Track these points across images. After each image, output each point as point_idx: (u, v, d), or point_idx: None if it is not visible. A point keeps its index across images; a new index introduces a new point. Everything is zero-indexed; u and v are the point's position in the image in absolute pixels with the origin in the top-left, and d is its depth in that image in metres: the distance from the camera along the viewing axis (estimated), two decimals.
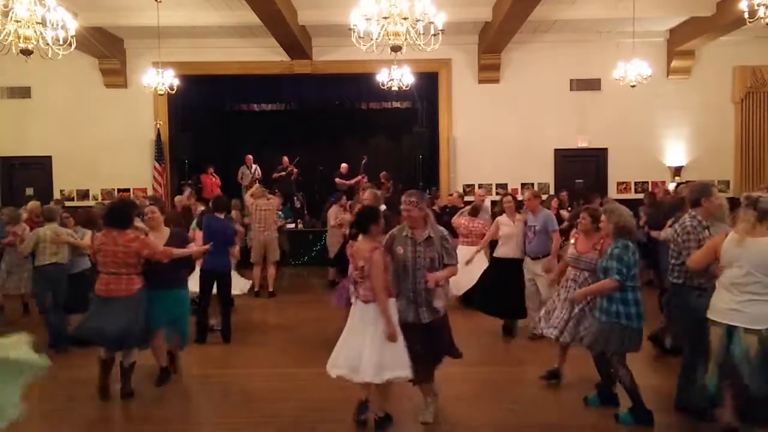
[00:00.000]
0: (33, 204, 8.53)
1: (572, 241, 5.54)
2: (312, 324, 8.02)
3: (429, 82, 13.78)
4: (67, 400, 5.25)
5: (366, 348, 4.39)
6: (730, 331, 4.04)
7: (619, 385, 4.75)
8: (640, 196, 12.17)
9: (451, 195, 11.33)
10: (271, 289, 9.93)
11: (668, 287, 4.95)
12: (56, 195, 13.67)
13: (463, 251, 8.04)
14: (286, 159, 14.62)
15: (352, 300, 4.70)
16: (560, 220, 8.53)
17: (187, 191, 11.41)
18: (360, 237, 4.60)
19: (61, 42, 6.54)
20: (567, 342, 5.25)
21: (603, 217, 4.75)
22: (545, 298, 6.47)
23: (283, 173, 14.54)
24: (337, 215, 10.60)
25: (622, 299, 4.51)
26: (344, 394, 5.21)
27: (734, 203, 5.50)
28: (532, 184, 13.66)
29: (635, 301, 4.52)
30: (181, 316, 5.65)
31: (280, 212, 11.16)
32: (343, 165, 14.85)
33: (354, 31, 7.09)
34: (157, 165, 13.67)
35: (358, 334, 4.48)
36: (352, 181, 14.45)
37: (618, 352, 4.56)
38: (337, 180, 14.70)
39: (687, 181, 11.03)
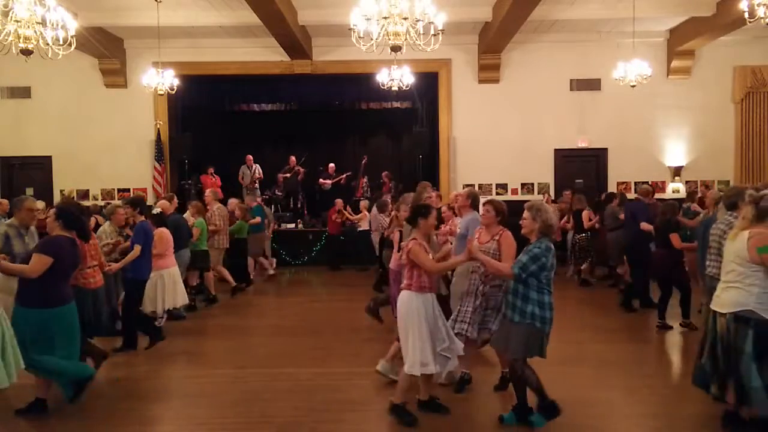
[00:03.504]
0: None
1: (477, 235, 5.21)
2: (312, 324, 8.02)
3: (429, 82, 13.79)
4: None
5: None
6: (714, 315, 4.32)
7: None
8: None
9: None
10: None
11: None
12: (56, 195, 13.71)
13: None
14: (293, 159, 14.65)
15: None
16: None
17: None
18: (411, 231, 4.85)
19: (61, 42, 6.53)
20: (474, 337, 5.05)
21: (526, 214, 4.53)
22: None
23: (289, 173, 14.56)
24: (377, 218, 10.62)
25: (538, 302, 4.39)
26: (344, 394, 5.23)
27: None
28: (532, 184, 13.71)
29: (550, 305, 4.44)
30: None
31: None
32: (331, 165, 14.93)
33: (354, 31, 7.08)
34: (157, 165, 13.67)
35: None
36: (331, 181, 14.57)
37: (521, 357, 4.45)
38: (321, 180, 14.78)
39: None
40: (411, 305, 4.58)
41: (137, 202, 7.10)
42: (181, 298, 7.51)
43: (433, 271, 4.65)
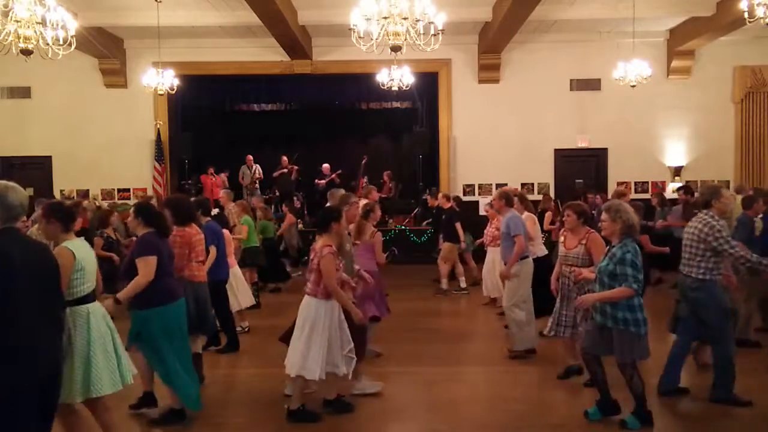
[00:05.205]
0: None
1: (561, 239, 5.50)
2: None
3: (429, 82, 13.80)
4: None
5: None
6: None
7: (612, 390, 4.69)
8: (641, 196, 12.27)
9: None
10: None
11: (685, 282, 5.01)
12: (56, 195, 13.69)
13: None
14: (285, 159, 14.66)
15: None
16: None
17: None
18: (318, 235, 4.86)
19: (61, 42, 6.55)
20: (573, 338, 5.28)
21: (605, 216, 4.54)
22: (505, 304, 6.37)
23: (284, 171, 14.56)
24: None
25: (628, 305, 4.35)
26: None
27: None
28: (532, 184, 13.71)
29: (640, 307, 4.40)
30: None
31: None
32: (325, 165, 14.91)
33: (354, 31, 7.09)
34: (157, 165, 13.68)
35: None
36: (325, 181, 14.56)
37: (630, 361, 4.43)
38: (316, 180, 14.79)
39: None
40: (317, 312, 4.62)
41: (202, 203, 7.00)
42: (249, 299, 7.59)
43: (331, 290, 4.60)
